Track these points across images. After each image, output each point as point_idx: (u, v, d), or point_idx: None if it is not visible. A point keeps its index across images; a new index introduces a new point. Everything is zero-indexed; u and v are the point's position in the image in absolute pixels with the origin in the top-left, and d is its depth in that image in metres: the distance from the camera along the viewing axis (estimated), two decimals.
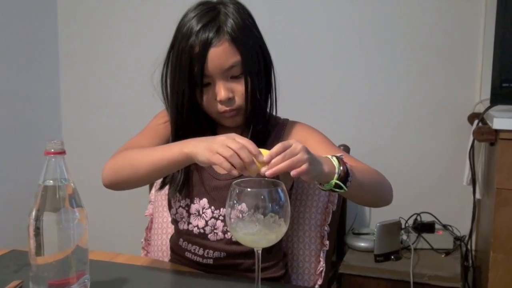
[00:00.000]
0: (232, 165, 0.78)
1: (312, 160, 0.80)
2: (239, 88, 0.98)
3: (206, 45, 0.95)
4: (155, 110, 1.12)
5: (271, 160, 0.78)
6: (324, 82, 1.88)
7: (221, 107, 0.99)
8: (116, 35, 2.03)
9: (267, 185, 0.76)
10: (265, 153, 0.80)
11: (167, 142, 1.04)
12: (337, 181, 0.82)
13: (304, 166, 0.77)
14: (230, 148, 0.79)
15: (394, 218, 1.71)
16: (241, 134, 1.00)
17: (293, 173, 0.77)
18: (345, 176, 0.83)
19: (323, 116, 1.88)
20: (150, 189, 1.28)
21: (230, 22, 0.96)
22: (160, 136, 1.05)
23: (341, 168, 0.83)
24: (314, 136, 1.04)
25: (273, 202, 0.70)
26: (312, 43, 1.87)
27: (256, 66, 0.98)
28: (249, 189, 0.71)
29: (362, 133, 1.89)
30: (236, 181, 0.75)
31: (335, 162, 0.84)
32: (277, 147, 0.79)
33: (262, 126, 1.03)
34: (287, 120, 1.11)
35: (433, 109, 1.80)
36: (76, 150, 2.07)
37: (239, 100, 0.99)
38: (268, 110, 1.06)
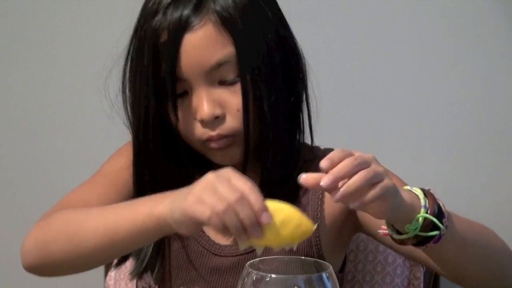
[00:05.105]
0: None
1: (389, 179, 0.73)
2: (233, 100, 0.88)
3: (178, 29, 0.86)
4: (115, 143, 1.01)
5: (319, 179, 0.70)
6: (392, 98, 1.75)
7: (205, 132, 0.89)
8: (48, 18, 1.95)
9: (303, 267, 0.71)
10: (276, 208, 0.73)
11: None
12: (429, 216, 0.74)
13: (385, 184, 0.71)
14: (223, 196, 0.71)
15: None
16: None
17: (368, 197, 0.70)
18: (436, 217, 0.75)
19: (389, 149, 1.79)
20: (106, 271, 1.22)
21: None
22: (120, 187, 0.95)
23: (429, 202, 0.75)
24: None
25: None
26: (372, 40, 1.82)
27: (266, 64, 0.89)
28: (273, 275, 0.66)
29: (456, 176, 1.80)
30: (252, 260, 0.70)
31: (418, 192, 0.76)
32: (335, 152, 0.72)
33: (284, 164, 0.91)
34: (331, 151, 1.00)
35: None
36: None
37: (232, 120, 0.88)
38: (298, 137, 0.95)
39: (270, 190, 0.87)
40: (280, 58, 0.91)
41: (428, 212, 0.76)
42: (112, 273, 1.18)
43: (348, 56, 1.80)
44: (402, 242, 0.77)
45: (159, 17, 0.87)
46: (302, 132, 0.95)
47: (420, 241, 0.76)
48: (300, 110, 0.95)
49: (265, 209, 0.70)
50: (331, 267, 0.69)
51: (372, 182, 0.71)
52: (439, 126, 1.79)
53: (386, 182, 0.72)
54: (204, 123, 0.88)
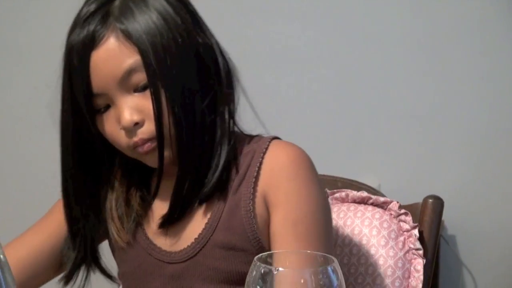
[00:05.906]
0: None
1: None
2: (149, 104, 0.89)
3: (85, 49, 0.88)
4: None
5: None
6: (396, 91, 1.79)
7: (130, 140, 0.91)
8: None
9: (309, 260, 0.72)
10: None
11: None
12: None
13: None
14: None
15: None
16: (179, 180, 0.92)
17: None
18: None
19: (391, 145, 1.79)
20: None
21: (119, 2, 0.89)
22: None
23: None
24: (294, 203, 0.92)
25: None
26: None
27: (176, 67, 0.89)
28: (280, 269, 0.67)
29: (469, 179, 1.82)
30: (260, 254, 0.69)
31: None
32: None
33: (207, 163, 0.92)
34: (269, 140, 0.97)
35: None
36: None
37: (151, 123, 0.90)
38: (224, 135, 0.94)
39: (193, 190, 0.92)
40: (194, 61, 0.92)
41: None
42: None
43: (352, 57, 1.81)
44: None
45: (73, 36, 0.89)
46: (225, 130, 0.95)
47: None
48: (223, 108, 0.95)
49: None
50: (336, 261, 0.69)
51: None
52: (453, 129, 1.80)
53: None
54: (127, 130, 0.90)
